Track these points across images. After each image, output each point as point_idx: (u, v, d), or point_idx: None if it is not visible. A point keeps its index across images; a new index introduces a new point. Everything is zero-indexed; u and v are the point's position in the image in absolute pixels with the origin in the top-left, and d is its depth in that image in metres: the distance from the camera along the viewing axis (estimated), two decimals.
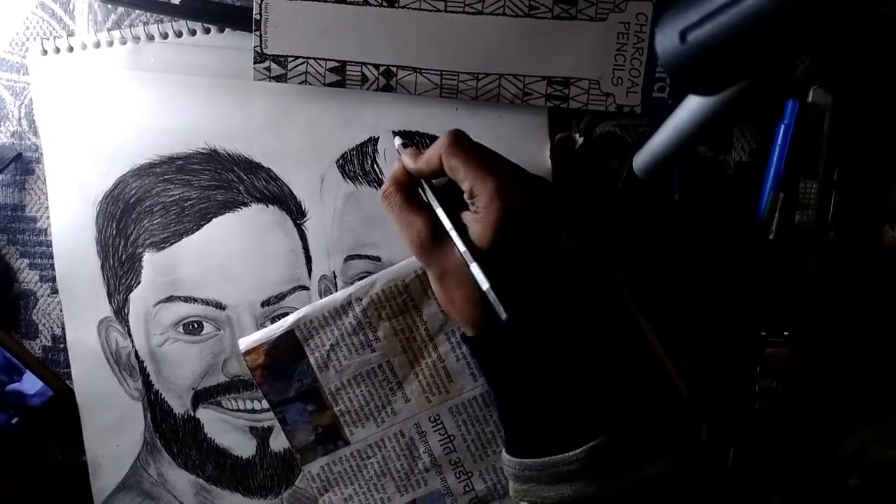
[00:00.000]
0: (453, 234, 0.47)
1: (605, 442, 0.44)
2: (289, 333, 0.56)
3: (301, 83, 0.55)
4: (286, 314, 0.58)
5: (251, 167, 0.57)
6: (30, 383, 0.59)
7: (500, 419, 0.52)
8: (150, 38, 0.57)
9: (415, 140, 0.56)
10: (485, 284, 0.45)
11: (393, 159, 0.56)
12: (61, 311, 0.59)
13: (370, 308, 0.55)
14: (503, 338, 0.47)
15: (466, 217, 0.48)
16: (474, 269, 0.45)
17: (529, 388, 0.47)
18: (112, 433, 0.60)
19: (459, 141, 0.48)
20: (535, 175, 0.50)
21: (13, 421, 0.59)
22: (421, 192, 0.51)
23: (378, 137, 0.57)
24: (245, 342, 0.56)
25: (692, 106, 0.46)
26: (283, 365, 0.56)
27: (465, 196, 0.47)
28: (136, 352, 0.59)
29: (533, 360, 0.46)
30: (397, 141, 0.55)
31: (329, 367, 0.56)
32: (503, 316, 0.44)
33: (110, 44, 0.57)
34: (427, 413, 0.56)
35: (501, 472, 0.57)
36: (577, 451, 0.44)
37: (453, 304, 0.48)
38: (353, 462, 0.57)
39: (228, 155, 0.57)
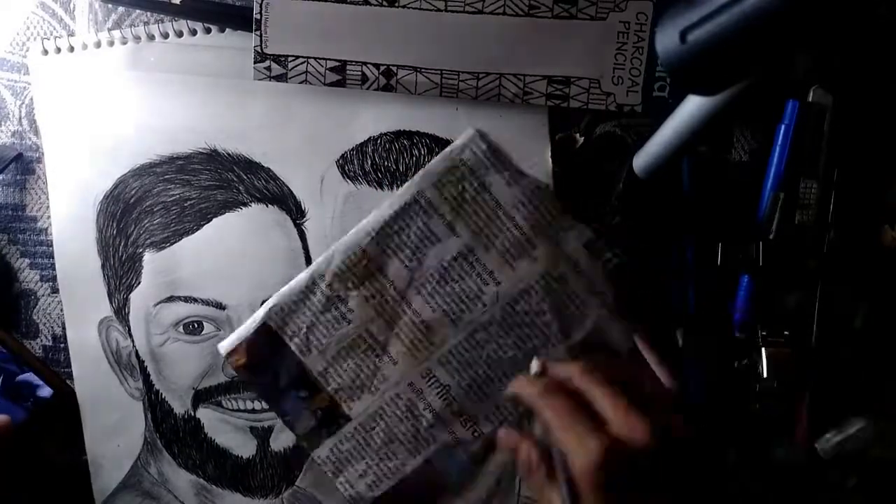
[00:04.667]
0: None
1: None
2: (263, 326, 0.56)
3: (301, 83, 0.55)
4: None
5: (251, 167, 0.57)
6: None
7: None
8: (151, 37, 0.57)
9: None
10: None
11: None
12: (62, 310, 0.59)
13: (335, 282, 0.55)
14: None
15: None
16: None
17: None
18: (113, 433, 0.60)
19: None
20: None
21: (26, 412, 0.59)
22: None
23: (378, 137, 0.57)
24: (224, 345, 0.56)
25: (692, 106, 0.46)
26: (265, 358, 0.56)
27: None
28: (136, 352, 0.59)
29: None
30: (535, 366, 0.52)
31: (311, 349, 0.56)
32: None
33: (111, 44, 0.57)
34: (417, 370, 0.56)
35: (506, 409, 0.56)
36: None
37: None
38: (358, 437, 0.57)
39: (228, 155, 0.57)
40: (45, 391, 0.59)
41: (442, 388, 0.56)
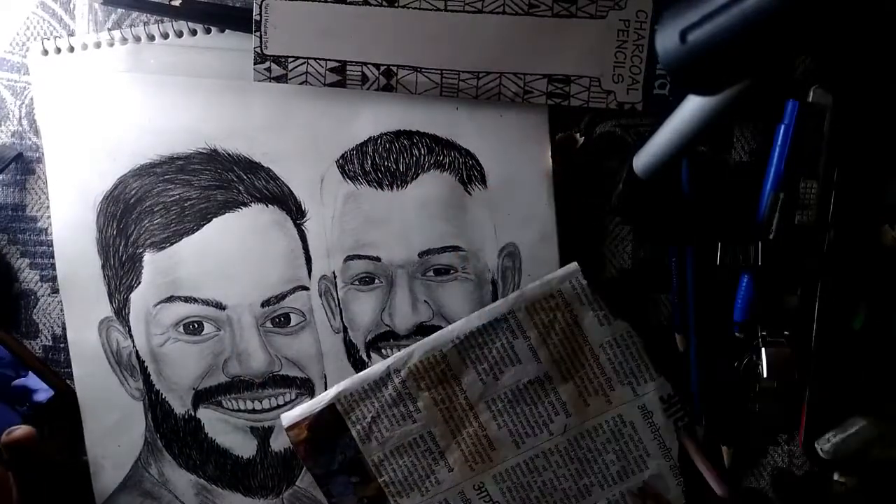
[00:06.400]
0: None
1: None
2: (330, 407, 0.56)
3: (301, 83, 0.55)
4: (286, 314, 0.58)
5: (251, 167, 0.57)
6: (36, 378, 0.59)
7: None
8: (151, 38, 0.57)
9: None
10: None
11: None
12: (62, 310, 0.59)
13: (409, 379, 0.56)
14: None
15: None
16: None
17: None
18: (113, 433, 0.60)
19: None
20: None
21: (21, 417, 0.59)
22: None
23: (378, 137, 0.57)
24: (287, 418, 0.57)
25: (692, 106, 0.46)
26: (325, 438, 0.56)
27: None
28: (136, 352, 0.59)
29: None
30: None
31: (371, 438, 0.56)
32: None
33: (111, 44, 0.57)
34: (471, 481, 0.57)
35: None
36: None
37: None
38: None
39: (228, 155, 0.57)
40: (42, 395, 0.59)
41: (492, 503, 0.57)
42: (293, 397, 0.59)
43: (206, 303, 0.58)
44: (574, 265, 0.55)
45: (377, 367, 0.56)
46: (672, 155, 0.49)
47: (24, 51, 0.58)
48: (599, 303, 0.55)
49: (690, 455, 0.55)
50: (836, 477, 0.55)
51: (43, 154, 0.59)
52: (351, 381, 0.56)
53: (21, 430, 0.55)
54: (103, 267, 0.59)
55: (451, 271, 0.57)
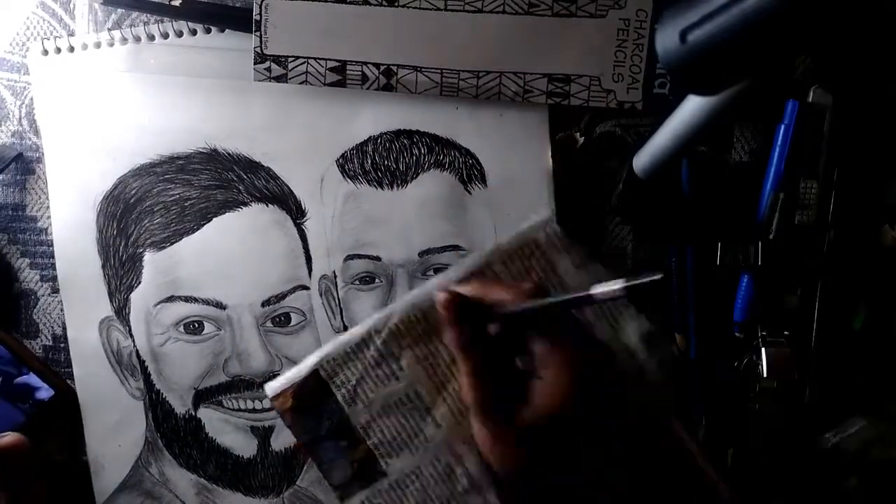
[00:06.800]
0: None
1: None
2: (313, 374, 0.56)
3: (301, 83, 0.55)
4: (287, 314, 0.58)
5: (251, 167, 0.57)
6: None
7: None
8: (151, 38, 0.57)
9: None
10: None
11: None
12: (62, 310, 0.59)
13: (390, 339, 0.55)
14: (545, 481, 0.47)
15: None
16: None
17: None
18: (113, 433, 0.60)
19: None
20: (598, 341, 0.50)
21: (24, 415, 0.59)
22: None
23: (378, 136, 0.57)
24: (271, 387, 0.56)
25: (692, 106, 0.46)
26: (311, 405, 0.56)
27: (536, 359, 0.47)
28: (137, 351, 0.59)
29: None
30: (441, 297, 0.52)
31: (357, 401, 0.56)
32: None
33: (111, 44, 0.57)
34: (460, 436, 0.56)
35: None
36: None
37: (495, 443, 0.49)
38: (392, 494, 0.57)
39: (228, 154, 0.57)
40: (44, 393, 0.59)
41: (482, 455, 0.56)
42: None
43: (207, 302, 0.58)
44: (548, 213, 0.54)
45: (358, 329, 0.55)
46: (672, 155, 0.49)
47: (24, 51, 0.58)
48: (575, 248, 0.54)
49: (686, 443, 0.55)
50: (836, 477, 0.55)
51: (43, 154, 0.59)
52: (333, 344, 0.55)
53: (8, 437, 0.54)
54: (103, 267, 0.59)
55: None
